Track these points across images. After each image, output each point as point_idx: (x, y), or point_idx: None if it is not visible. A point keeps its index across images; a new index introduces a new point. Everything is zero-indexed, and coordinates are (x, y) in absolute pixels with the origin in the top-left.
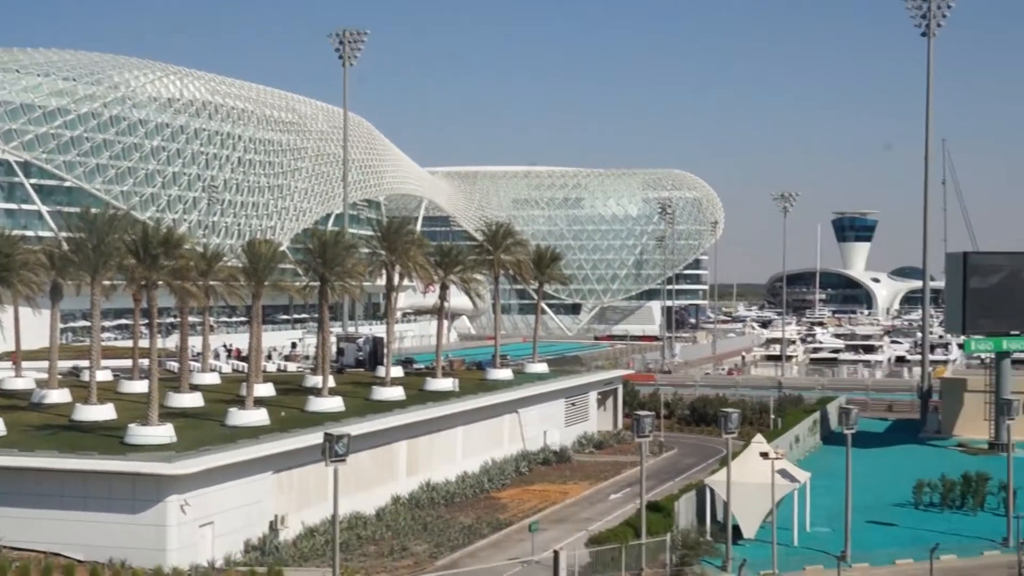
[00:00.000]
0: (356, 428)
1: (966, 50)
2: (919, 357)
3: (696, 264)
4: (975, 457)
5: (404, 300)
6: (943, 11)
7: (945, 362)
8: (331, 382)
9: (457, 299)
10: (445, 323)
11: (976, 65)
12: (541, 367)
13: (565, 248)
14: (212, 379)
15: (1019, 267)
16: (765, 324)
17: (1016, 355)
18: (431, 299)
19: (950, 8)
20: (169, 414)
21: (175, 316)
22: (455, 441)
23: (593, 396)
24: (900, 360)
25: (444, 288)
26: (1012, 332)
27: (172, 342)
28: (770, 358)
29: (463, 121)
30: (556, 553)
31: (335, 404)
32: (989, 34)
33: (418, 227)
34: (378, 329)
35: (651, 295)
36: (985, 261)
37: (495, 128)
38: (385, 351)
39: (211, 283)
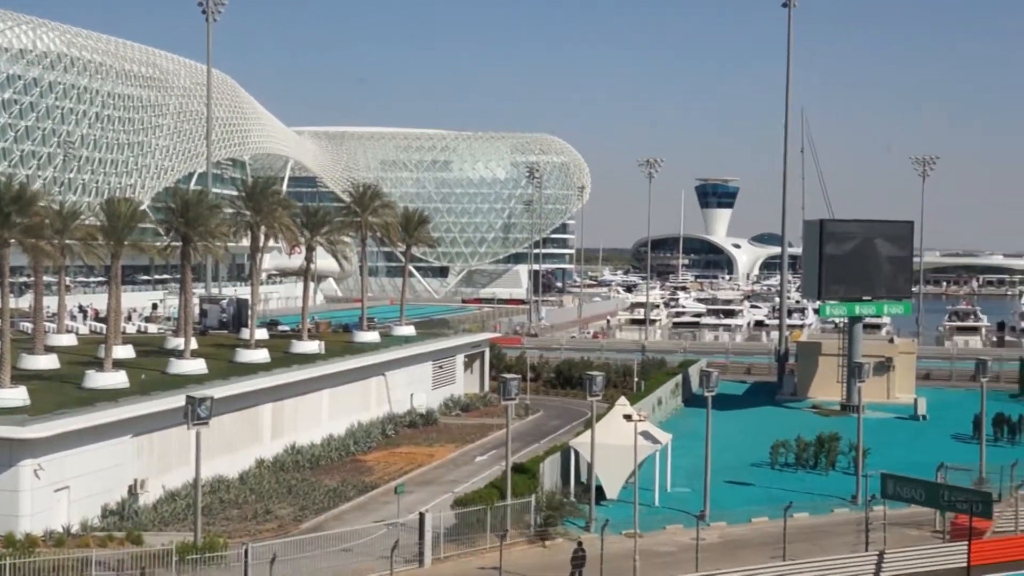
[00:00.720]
0: (219, 391)
1: (826, 20)
2: (777, 321)
3: (563, 228)
4: (828, 418)
5: (269, 261)
6: None
7: (801, 326)
8: (193, 344)
9: (323, 261)
10: (311, 285)
11: (834, 35)
12: (408, 330)
13: (433, 211)
14: (68, 340)
15: (872, 235)
16: (630, 288)
17: (867, 320)
18: (297, 261)
19: None
20: (22, 376)
21: (29, 276)
22: (321, 404)
23: (460, 359)
24: (759, 324)
25: (310, 250)
26: (864, 297)
27: (26, 302)
28: (634, 322)
29: (330, 81)
30: (422, 515)
31: (197, 366)
32: (848, 4)
33: (284, 188)
34: (242, 291)
35: (518, 259)
36: (840, 229)
37: (363, 89)
38: (250, 313)
39: (67, 242)
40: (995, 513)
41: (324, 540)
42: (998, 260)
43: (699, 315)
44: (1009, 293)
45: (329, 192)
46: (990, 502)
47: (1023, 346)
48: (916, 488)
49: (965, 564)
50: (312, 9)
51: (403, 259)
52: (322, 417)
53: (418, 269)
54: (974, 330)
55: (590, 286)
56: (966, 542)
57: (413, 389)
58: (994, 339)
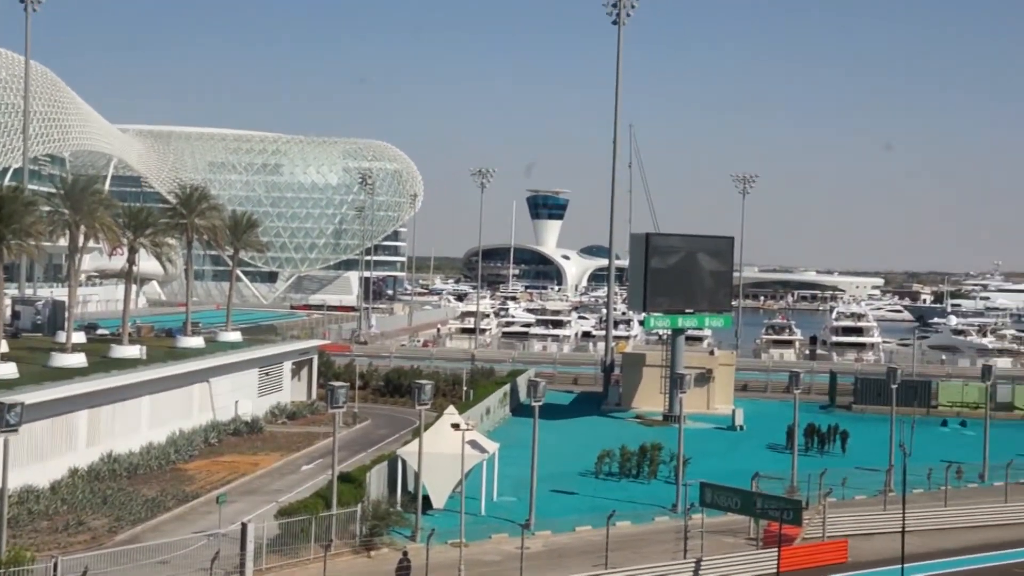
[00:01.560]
0: (31, 396)
1: (656, 37)
2: (604, 332)
3: (395, 236)
4: (651, 428)
5: (89, 262)
6: (632, 1)
7: (627, 338)
8: (4, 347)
9: (147, 263)
10: (133, 288)
11: (664, 53)
12: (234, 336)
13: (263, 215)
14: None
15: (695, 249)
16: (461, 297)
17: (689, 332)
18: (118, 262)
19: None
20: None
21: None
22: (140, 411)
23: (287, 366)
24: (586, 335)
25: (133, 251)
26: (686, 310)
27: None
28: (465, 331)
29: (156, 78)
30: (244, 525)
31: (8, 370)
32: (675, 23)
33: (106, 186)
34: (59, 292)
35: (349, 265)
36: (665, 242)
37: (192, 87)
38: (66, 315)
39: None
40: (804, 520)
41: (140, 552)
42: (812, 276)
43: (528, 325)
44: (821, 308)
45: (154, 192)
46: (800, 510)
47: (833, 359)
48: (732, 497)
49: (776, 570)
50: (137, 3)
51: (230, 263)
52: (141, 424)
53: (246, 274)
54: (789, 343)
55: (421, 294)
56: (777, 548)
57: (238, 396)
58: (807, 352)
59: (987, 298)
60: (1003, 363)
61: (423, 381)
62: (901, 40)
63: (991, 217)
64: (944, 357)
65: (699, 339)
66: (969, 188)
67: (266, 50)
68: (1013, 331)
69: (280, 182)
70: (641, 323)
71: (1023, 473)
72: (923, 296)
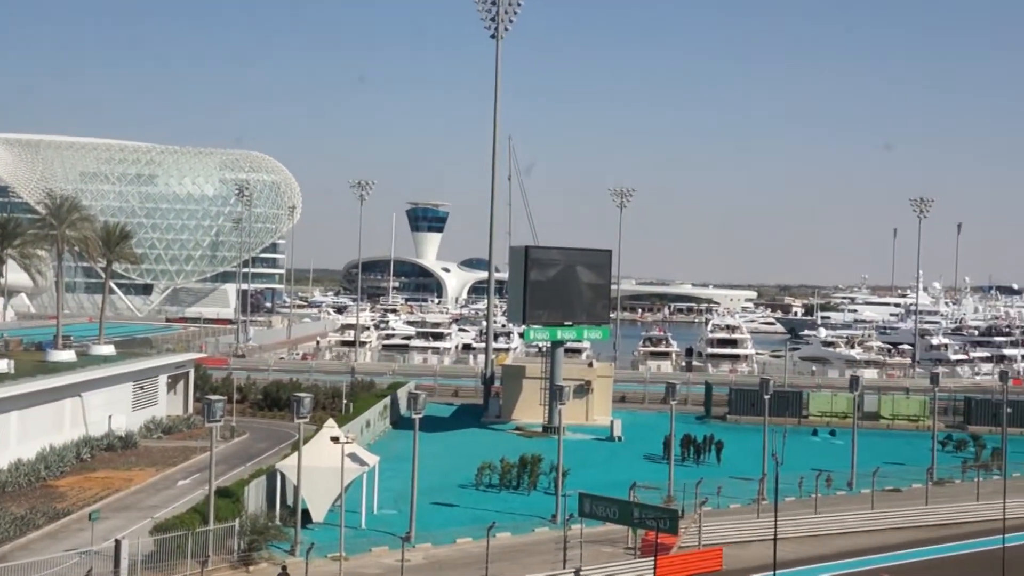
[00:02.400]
0: None
1: (537, 51)
2: (484, 345)
3: (273, 248)
4: (531, 440)
5: None
6: (511, 16)
7: (507, 350)
8: None
9: (15, 275)
10: (0, 301)
11: (546, 66)
12: (108, 349)
13: (137, 226)
14: None
15: (574, 262)
16: (340, 310)
17: (568, 344)
18: None
19: (517, 13)
20: None
21: None
22: (8, 426)
23: (163, 380)
24: (467, 347)
25: (0, 263)
26: (565, 322)
27: None
28: (345, 343)
29: (26, 84)
30: (118, 542)
31: None
32: (555, 36)
33: None
34: None
35: (226, 278)
36: (544, 255)
37: (64, 96)
38: None
39: None
40: (681, 529)
41: (9, 572)
42: (687, 289)
43: (408, 337)
44: (696, 321)
45: (23, 203)
46: (676, 519)
47: (709, 371)
48: (610, 507)
49: None
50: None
51: (103, 275)
52: (10, 440)
53: (119, 286)
54: (665, 355)
55: (300, 307)
56: (653, 557)
57: (111, 411)
58: (683, 364)
59: (855, 311)
60: (870, 374)
61: (302, 394)
62: (777, 56)
63: (858, 233)
64: (814, 368)
65: (578, 351)
66: (838, 204)
67: (139, 58)
68: (879, 343)
69: (155, 193)
70: (521, 335)
71: (889, 481)
72: (794, 309)
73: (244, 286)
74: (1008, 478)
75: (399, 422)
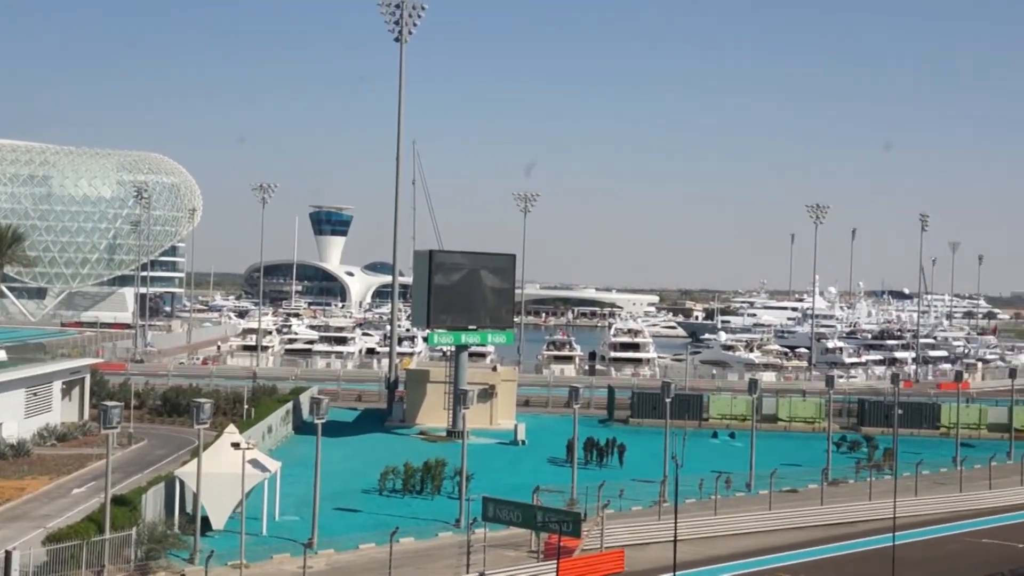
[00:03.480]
0: None
1: (436, 54)
2: (388, 349)
3: (172, 251)
4: (435, 444)
5: None
6: (415, 19)
7: (411, 354)
8: None
9: None
10: None
11: (445, 68)
12: None
13: (30, 228)
14: None
15: (478, 266)
16: (242, 314)
17: (473, 348)
18: None
19: (421, 17)
20: None
21: None
22: None
23: (57, 385)
24: (371, 352)
25: None
26: (469, 327)
27: None
28: (246, 348)
29: None
30: (8, 553)
31: None
32: (459, 39)
33: None
34: None
35: (124, 281)
36: (448, 260)
37: None
38: None
39: None
40: (583, 532)
41: None
42: (591, 293)
43: (311, 342)
44: (599, 325)
45: None
46: (579, 522)
47: (612, 374)
48: (514, 511)
49: None
50: None
51: None
52: None
53: (11, 289)
54: (569, 359)
55: (200, 311)
56: (556, 560)
57: (2, 418)
58: (586, 368)
59: (754, 315)
60: (768, 377)
61: (202, 400)
62: (678, 59)
63: (758, 238)
64: (715, 371)
65: (482, 355)
66: (738, 210)
67: (35, 56)
68: (777, 346)
69: (49, 194)
70: (425, 340)
71: (786, 481)
72: (695, 313)
73: (143, 290)
74: (898, 478)
75: (302, 427)
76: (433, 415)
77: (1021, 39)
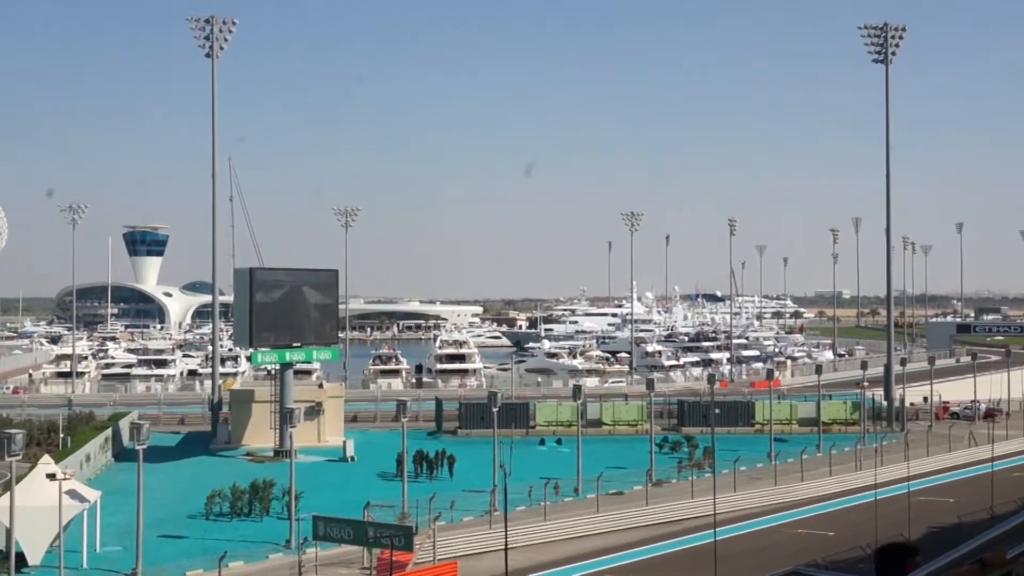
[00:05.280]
0: None
1: (242, 79)
2: (210, 370)
3: None
4: (262, 465)
5: None
6: (226, 35)
7: (235, 374)
8: None
9: None
10: None
11: (253, 93)
12: None
13: None
14: None
15: (300, 283)
16: (55, 340)
17: (298, 366)
18: None
19: (232, 32)
20: None
21: None
22: None
23: None
24: (192, 373)
25: None
26: (294, 344)
27: None
28: (61, 375)
29: None
30: None
31: None
32: (271, 54)
33: None
34: None
35: None
36: (270, 277)
37: None
38: None
39: None
40: (416, 545)
41: None
42: (415, 306)
43: (130, 366)
44: (425, 337)
45: None
46: (410, 535)
47: (439, 386)
48: (344, 528)
49: None
50: None
51: None
52: None
53: None
54: (396, 373)
55: (9, 338)
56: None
57: None
58: (414, 381)
59: (576, 322)
60: (592, 382)
61: (13, 430)
62: (486, 72)
63: (577, 246)
64: (540, 379)
65: (308, 372)
66: (558, 218)
67: None
68: (599, 352)
69: None
70: (248, 359)
71: (612, 484)
72: (519, 322)
73: None
74: (718, 475)
75: (122, 454)
76: (259, 435)
77: (788, 46)
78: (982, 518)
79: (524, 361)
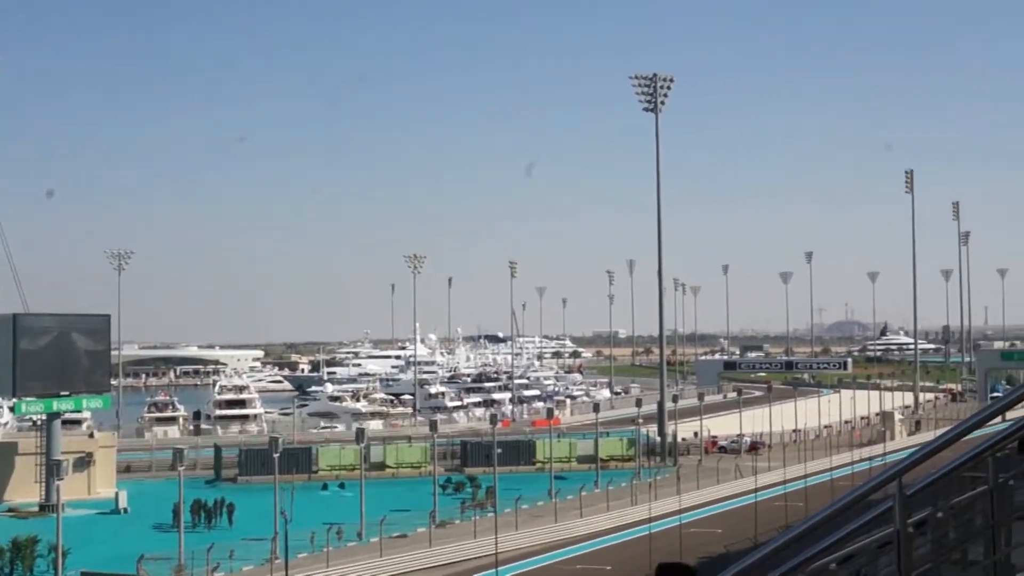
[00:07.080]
0: None
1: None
2: None
3: None
4: (26, 520)
5: None
6: None
7: None
8: None
9: None
10: None
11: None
12: None
13: None
14: None
15: (68, 328)
16: None
17: (67, 415)
18: None
19: None
20: None
21: None
22: None
23: None
24: None
25: None
26: (62, 392)
27: None
28: None
29: None
30: None
31: None
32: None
33: None
34: None
35: None
36: (36, 323)
37: None
38: None
39: None
40: None
41: None
42: (193, 351)
43: None
44: (204, 383)
45: None
46: None
47: (218, 433)
48: None
49: None
50: None
51: None
52: None
53: None
54: (173, 420)
55: None
56: None
57: None
58: (191, 428)
59: (359, 365)
60: (375, 425)
61: None
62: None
63: (360, 288)
64: (323, 423)
65: (78, 422)
66: (340, 260)
67: None
68: (383, 394)
69: None
70: (11, 409)
71: (396, 527)
72: (301, 366)
73: None
74: (500, 514)
75: None
76: (23, 490)
77: (565, 94)
78: (747, 547)
79: (307, 405)
